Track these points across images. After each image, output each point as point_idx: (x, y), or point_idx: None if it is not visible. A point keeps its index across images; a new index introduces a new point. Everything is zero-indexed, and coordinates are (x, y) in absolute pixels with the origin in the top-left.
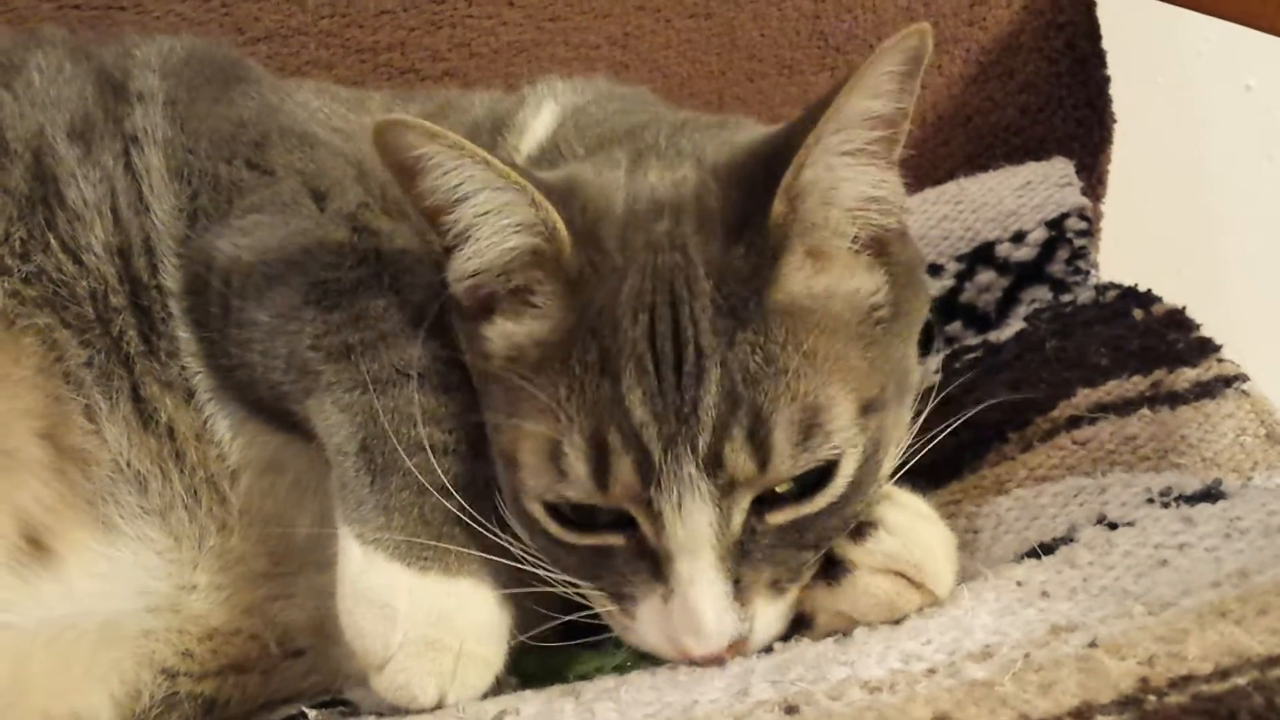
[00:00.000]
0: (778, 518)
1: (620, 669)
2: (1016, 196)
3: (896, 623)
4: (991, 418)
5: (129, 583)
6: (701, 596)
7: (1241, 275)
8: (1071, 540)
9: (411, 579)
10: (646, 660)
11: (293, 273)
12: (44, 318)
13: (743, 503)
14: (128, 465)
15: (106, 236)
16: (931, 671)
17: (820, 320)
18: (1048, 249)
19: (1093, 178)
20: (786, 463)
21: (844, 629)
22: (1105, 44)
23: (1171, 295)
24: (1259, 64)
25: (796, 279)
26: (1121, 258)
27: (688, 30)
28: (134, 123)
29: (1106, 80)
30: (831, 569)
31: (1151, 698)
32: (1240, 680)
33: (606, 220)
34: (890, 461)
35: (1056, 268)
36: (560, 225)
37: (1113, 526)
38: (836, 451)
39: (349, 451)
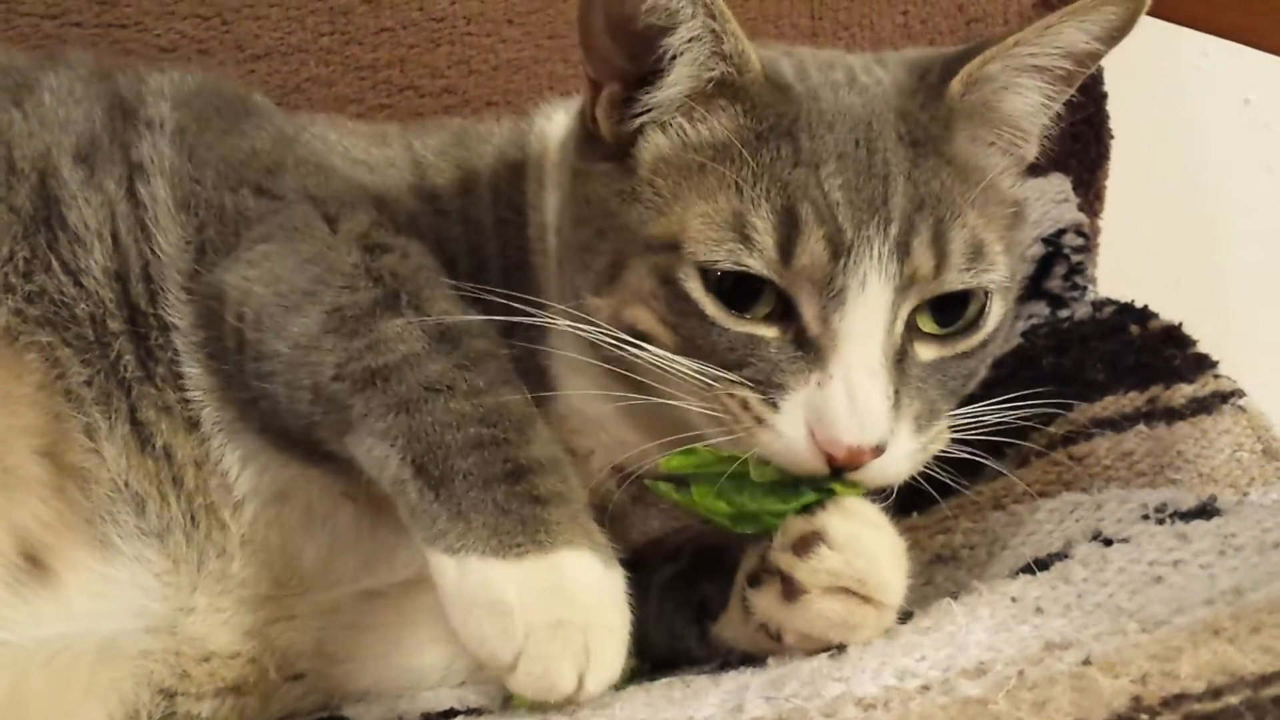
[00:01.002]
0: (927, 353)
1: (616, 686)
2: None
3: (891, 637)
4: (988, 432)
5: (127, 603)
6: (867, 380)
7: (1241, 288)
8: (1067, 556)
9: (510, 569)
10: (639, 677)
11: (307, 301)
12: (46, 336)
13: (906, 309)
14: (126, 485)
15: (105, 261)
16: (926, 688)
17: (982, 183)
18: (1045, 265)
19: (1090, 194)
20: (955, 272)
21: (813, 648)
22: (1103, 60)
23: (1171, 308)
24: (1257, 78)
25: (966, 146)
26: (1122, 271)
27: None
28: (141, 151)
29: (1104, 96)
30: (788, 586)
31: (1144, 716)
32: (1233, 699)
33: (787, 60)
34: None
35: (1054, 283)
36: (753, 56)
37: (1108, 543)
38: (995, 280)
39: (404, 478)
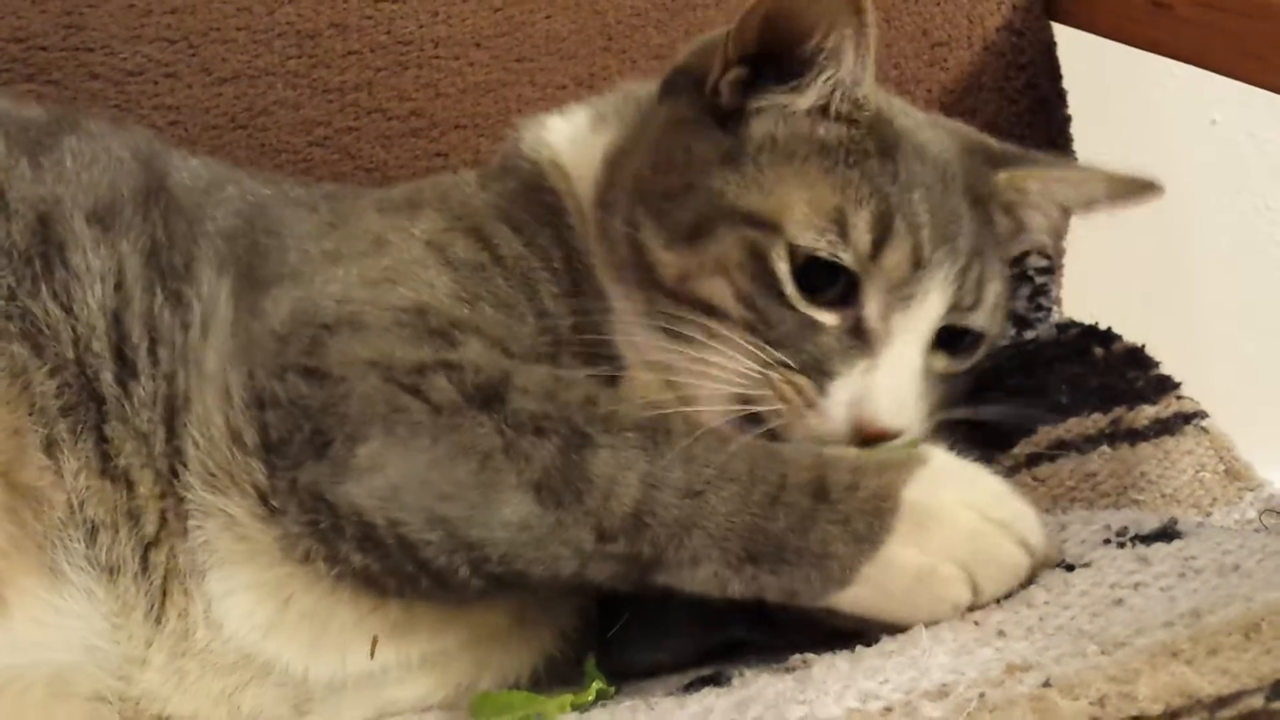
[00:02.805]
0: (938, 363)
1: (581, 707)
2: None
3: (855, 660)
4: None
5: (76, 635)
6: (908, 377)
7: (1208, 309)
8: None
9: (896, 545)
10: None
11: (492, 492)
12: (18, 347)
13: (938, 327)
14: (80, 508)
15: (104, 300)
16: (888, 710)
17: (1003, 258)
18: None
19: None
20: (981, 315)
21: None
22: (1068, 81)
23: (1139, 328)
24: (1223, 99)
25: (1000, 224)
26: (1089, 291)
27: (653, 71)
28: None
29: (1067, 120)
30: None
31: None
32: None
33: (897, 109)
34: None
35: (1018, 304)
36: (874, 98)
37: (1070, 568)
38: (996, 332)
39: (751, 575)
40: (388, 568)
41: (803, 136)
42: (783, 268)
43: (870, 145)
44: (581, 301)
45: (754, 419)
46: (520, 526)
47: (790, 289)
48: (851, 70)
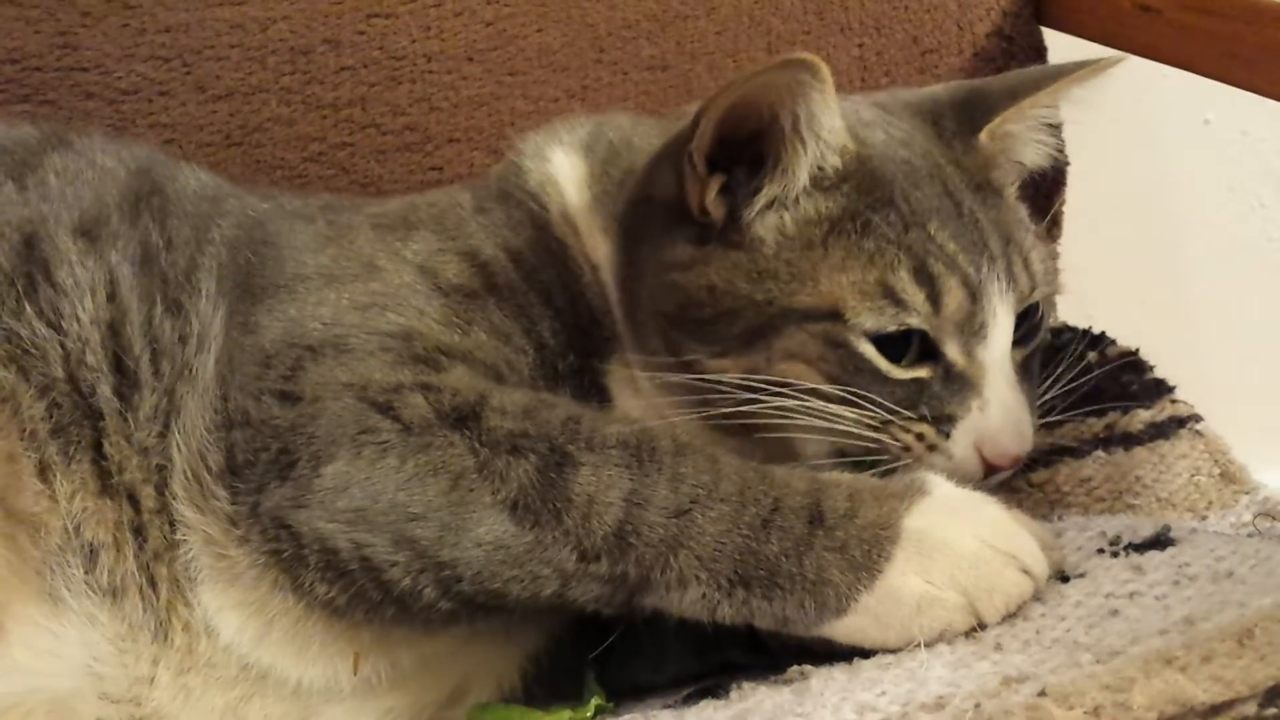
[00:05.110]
0: (1018, 356)
1: None
2: None
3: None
4: None
5: (76, 661)
6: (1014, 401)
7: (1203, 309)
8: None
9: (895, 572)
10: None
11: (465, 511)
12: (4, 372)
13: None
14: (77, 531)
15: (96, 312)
16: None
17: (1021, 213)
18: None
19: (1046, 219)
20: (1041, 287)
21: None
22: None
23: (1135, 328)
24: (1216, 98)
25: (1003, 184)
26: (1085, 291)
27: (645, 82)
28: (194, 308)
29: (1059, 123)
30: None
31: None
32: None
33: (868, 130)
34: None
35: None
36: (852, 144)
37: (1065, 579)
38: (1056, 286)
39: (743, 599)
40: (353, 597)
41: (811, 220)
42: (869, 349)
43: (867, 197)
44: (585, 345)
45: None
46: (495, 546)
47: (884, 364)
48: (827, 124)
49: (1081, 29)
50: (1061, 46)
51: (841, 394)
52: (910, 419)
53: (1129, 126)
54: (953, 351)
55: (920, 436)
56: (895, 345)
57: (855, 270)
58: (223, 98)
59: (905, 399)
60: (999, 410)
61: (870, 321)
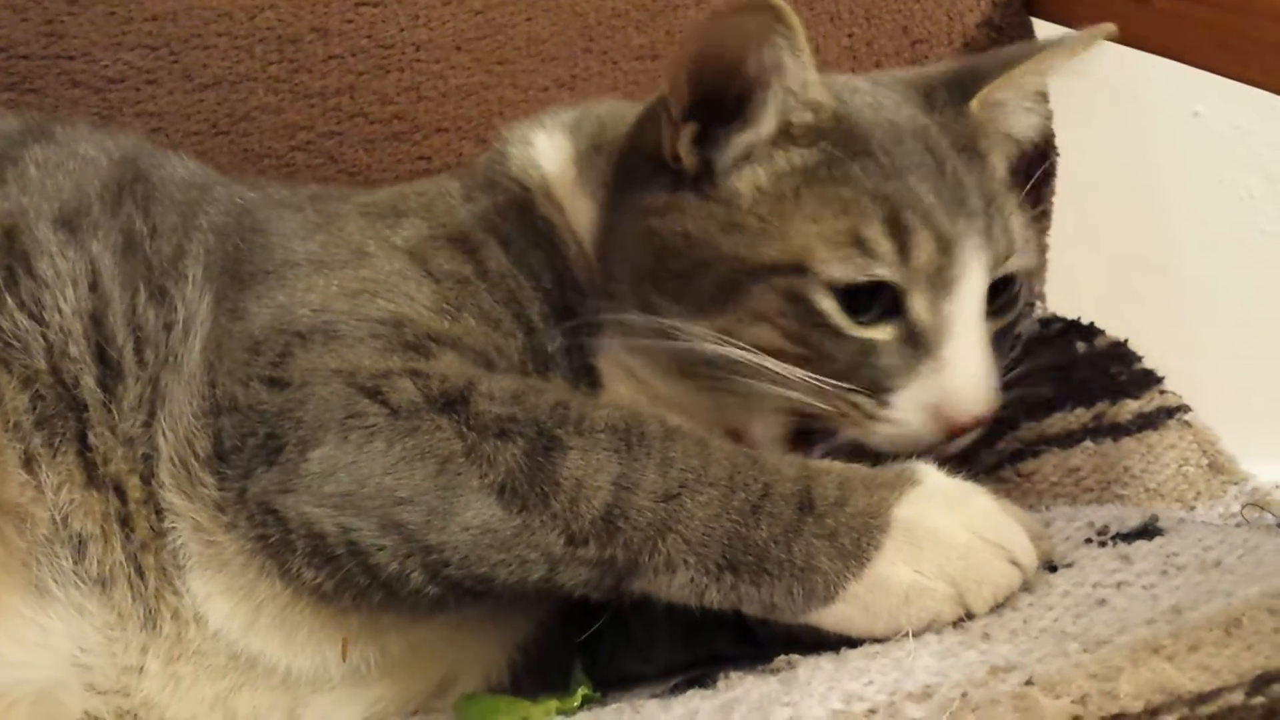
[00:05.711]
0: (992, 327)
1: (567, 712)
2: None
3: (840, 662)
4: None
5: (63, 652)
6: (978, 359)
7: (1192, 301)
8: None
9: (884, 561)
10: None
11: (451, 495)
12: None
13: (986, 292)
14: (65, 523)
15: (78, 304)
16: (872, 711)
17: (1006, 182)
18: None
19: (1036, 211)
20: (1017, 256)
21: None
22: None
23: (1125, 320)
24: (1206, 91)
25: (991, 152)
26: (1073, 283)
27: (634, 72)
28: (181, 294)
29: (1049, 113)
30: None
31: None
32: (1170, 718)
33: (854, 95)
34: None
35: None
36: (828, 97)
37: (1053, 569)
38: (1034, 260)
39: (731, 584)
40: (340, 582)
41: (784, 173)
42: (829, 304)
43: (844, 150)
44: (574, 324)
45: (822, 431)
46: (483, 530)
47: (841, 319)
48: (797, 75)
49: (1071, 19)
50: (1052, 36)
51: (796, 352)
52: (847, 390)
53: (1119, 119)
54: (919, 306)
55: (855, 406)
56: (861, 299)
57: (827, 220)
58: (210, 86)
59: (850, 364)
60: (961, 368)
61: (838, 271)
